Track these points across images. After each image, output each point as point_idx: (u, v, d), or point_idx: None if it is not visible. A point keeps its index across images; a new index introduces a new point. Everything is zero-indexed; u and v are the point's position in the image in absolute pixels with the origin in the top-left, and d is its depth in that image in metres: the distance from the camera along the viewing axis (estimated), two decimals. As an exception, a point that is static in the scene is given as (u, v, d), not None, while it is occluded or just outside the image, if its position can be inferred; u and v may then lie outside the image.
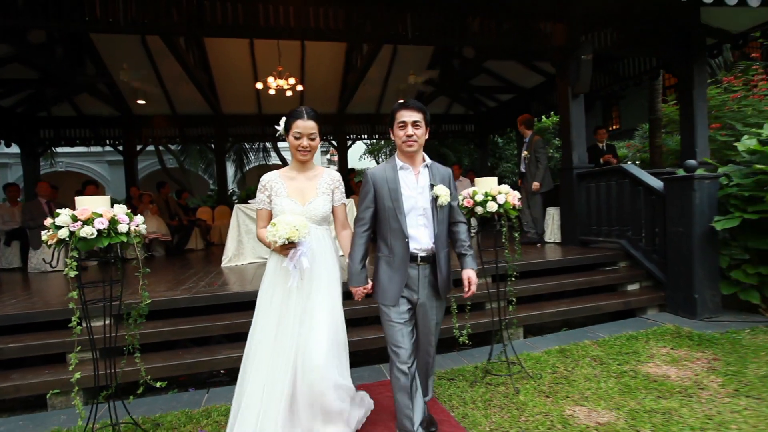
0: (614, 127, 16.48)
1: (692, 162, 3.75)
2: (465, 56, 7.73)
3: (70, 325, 2.07)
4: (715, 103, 7.18)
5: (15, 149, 9.69)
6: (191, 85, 8.04)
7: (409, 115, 2.01)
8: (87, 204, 2.08)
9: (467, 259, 2.15)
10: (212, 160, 16.00)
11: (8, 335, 3.03)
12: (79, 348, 2.12)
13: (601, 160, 6.46)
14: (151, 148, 11.72)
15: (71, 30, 6.15)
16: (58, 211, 2.05)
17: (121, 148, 10.14)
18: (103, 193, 16.46)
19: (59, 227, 2.00)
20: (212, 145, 11.04)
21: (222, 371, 3.29)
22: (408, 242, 2.00)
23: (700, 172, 3.82)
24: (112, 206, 2.19)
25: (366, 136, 11.83)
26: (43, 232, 2.08)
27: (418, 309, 2.08)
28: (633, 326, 3.63)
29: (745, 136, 4.20)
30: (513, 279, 2.91)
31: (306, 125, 2.05)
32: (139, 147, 10.31)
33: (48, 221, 2.05)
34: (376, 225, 2.09)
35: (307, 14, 4.51)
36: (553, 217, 5.74)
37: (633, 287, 4.27)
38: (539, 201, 5.51)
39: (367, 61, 7.25)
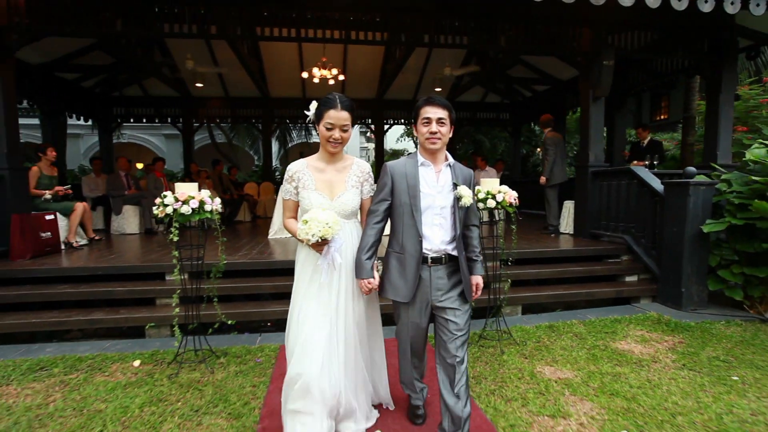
0: (662, 117, 16.07)
1: (691, 169, 4.10)
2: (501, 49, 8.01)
3: (171, 277, 2.89)
4: (754, 102, 7.14)
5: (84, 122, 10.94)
6: (243, 70, 8.84)
7: (434, 112, 1.95)
8: (184, 189, 2.85)
9: (477, 265, 2.11)
10: (257, 137, 17.14)
11: (114, 282, 3.98)
12: (178, 291, 2.95)
13: (624, 154, 6.74)
14: (203, 123, 12.79)
15: (151, 37, 7.12)
16: (165, 193, 2.83)
17: (180, 125, 11.27)
18: (164, 165, 17.94)
19: (167, 205, 2.78)
20: (259, 125, 11.96)
21: (269, 323, 4.10)
22: (422, 241, 1.96)
23: (699, 178, 4.17)
24: (199, 190, 2.96)
25: (403, 121, 12.33)
26: (154, 208, 2.87)
27: (438, 315, 2.03)
28: (622, 312, 4.12)
29: (755, 144, 4.44)
30: (509, 264, 3.48)
31: (339, 116, 1.97)
32: (196, 125, 11.41)
33: (158, 200, 2.84)
34: (390, 220, 2.07)
35: (348, 23, 5.10)
36: (569, 210, 6.14)
37: (631, 279, 4.71)
38: (550, 193, 6.01)
39: (405, 54, 7.75)
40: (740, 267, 3.95)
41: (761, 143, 4.32)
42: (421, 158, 2.02)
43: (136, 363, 3.05)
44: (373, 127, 12.15)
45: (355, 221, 2.17)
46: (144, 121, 11.29)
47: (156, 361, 3.09)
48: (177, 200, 2.78)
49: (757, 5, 4.48)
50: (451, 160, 2.07)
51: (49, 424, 2.27)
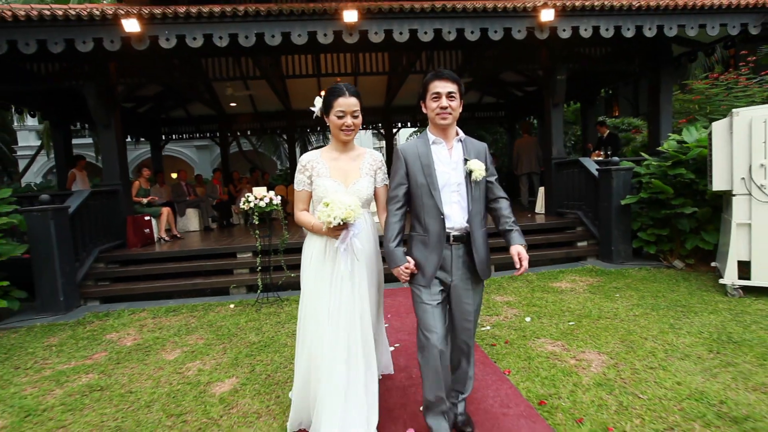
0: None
1: (615, 158, 5.53)
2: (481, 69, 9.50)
3: (242, 255, 4.51)
4: (686, 99, 8.37)
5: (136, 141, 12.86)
6: (270, 89, 10.52)
7: (443, 86, 1.91)
8: (259, 191, 4.47)
9: (514, 234, 2.00)
10: (279, 144, 18.99)
11: (202, 260, 5.67)
12: (259, 260, 4.59)
13: (588, 146, 8.19)
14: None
15: (205, 82, 8.92)
16: (248, 194, 4.45)
17: (216, 138, 13.08)
18: (193, 173, 19.96)
19: (250, 202, 4.40)
20: (284, 135, 13.67)
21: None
22: (444, 220, 1.91)
23: (623, 164, 5.59)
24: (268, 191, 4.57)
25: (410, 124, 13.86)
26: (240, 204, 4.49)
27: (452, 292, 1.98)
28: (569, 266, 5.58)
29: (671, 135, 5.81)
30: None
31: (348, 102, 1.99)
32: (230, 139, 13.22)
33: (242, 199, 4.45)
34: (409, 203, 2.02)
35: (358, 59, 6.68)
36: (543, 194, 7.58)
37: (582, 244, 6.15)
38: (523, 181, 7.97)
39: (406, 70, 9.28)
40: (653, 229, 5.36)
41: (673, 136, 5.69)
42: (432, 136, 1.99)
43: (231, 306, 4.71)
44: (383, 131, 13.72)
45: (368, 212, 2.15)
46: (185, 137, 13.16)
47: (243, 305, 4.74)
48: (256, 198, 4.41)
49: (670, 29, 5.89)
50: (462, 135, 2.02)
51: (197, 330, 3.94)
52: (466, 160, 1.95)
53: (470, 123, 14.11)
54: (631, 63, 7.22)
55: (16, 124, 17.67)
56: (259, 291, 4.76)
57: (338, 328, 1.98)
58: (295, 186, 2.14)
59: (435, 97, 1.92)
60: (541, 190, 7.61)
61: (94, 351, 3.54)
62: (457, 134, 2.01)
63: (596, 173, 5.84)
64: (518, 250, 1.94)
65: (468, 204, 1.95)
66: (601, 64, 7.27)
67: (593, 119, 9.44)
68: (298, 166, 2.11)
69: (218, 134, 12.92)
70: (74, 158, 7.54)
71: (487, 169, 1.97)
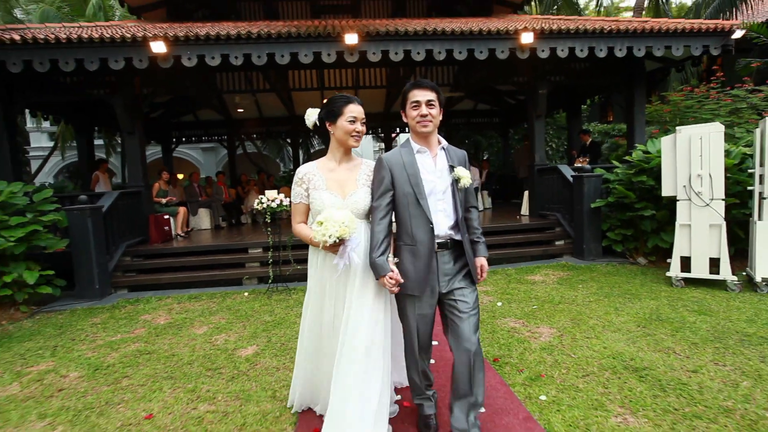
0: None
1: (587, 167, 6.19)
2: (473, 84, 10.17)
3: (253, 250, 5.18)
4: (657, 110, 9.00)
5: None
6: (276, 97, 11.21)
7: (422, 95, 1.95)
8: (271, 193, 5.13)
9: (480, 246, 2.11)
10: (283, 147, 19.71)
11: (217, 254, 6.34)
12: (270, 254, 5.25)
13: (573, 153, 8.85)
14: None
15: (218, 94, 9.61)
16: (260, 196, 5.11)
17: (224, 142, 13.77)
18: (199, 174, 20.68)
19: (263, 203, 5.06)
20: (288, 139, 14.37)
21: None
22: (432, 228, 1.93)
23: (597, 171, 6.26)
24: (278, 193, 5.23)
25: (408, 130, 14.56)
26: (255, 204, 5.16)
27: (445, 300, 2.00)
28: (546, 262, 6.23)
29: (638, 146, 6.47)
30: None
31: (358, 109, 2.04)
32: (237, 143, 13.91)
33: (256, 200, 5.12)
34: (395, 212, 2.02)
35: (358, 74, 7.35)
36: (527, 197, 8.24)
37: (559, 242, 6.81)
38: (525, 183, 8.59)
39: (403, 83, 9.96)
40: (620, 229, 6.02)
41: (639, 147, 6.35)
42: (416, 146, 2.01)
43: (245, 294, 5.37)
44: (382, 135, 14.43)
45: (367, 222, 2.13)
46: (193, 140, 13.87)
47: (256, 293, 5.41)
48: (269, 199, 5.07)
49: (639, 50, 6.56)
50: (444, 143, 2.07)
51: (219, 312, 4.60)
52: (452, 168, 2.01)
53: (465, 129, 14.82)
54: (608, 78, 7.89)
55: (30, 125, 18.36)
56: (270, 281, 5.43)
57: (333, 335, 2.08)
58: (293, 199, 2.16)
59: (415, 106, 1.96)
60: (526, 193, 8.28)
61: (134, 328, 4.20)
62: (440, 142, 2.06)
63: (571, 179, 6.50)
64: (482, 262, 2.12)
65: (455, 211, 1.99)
66: (581, 78, 7.94)
67: (578, 128, 10.11)
68: (295, 179, 2.12)
69: (226, 138, 13.63)
70: (97, 162, 8.21)
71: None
